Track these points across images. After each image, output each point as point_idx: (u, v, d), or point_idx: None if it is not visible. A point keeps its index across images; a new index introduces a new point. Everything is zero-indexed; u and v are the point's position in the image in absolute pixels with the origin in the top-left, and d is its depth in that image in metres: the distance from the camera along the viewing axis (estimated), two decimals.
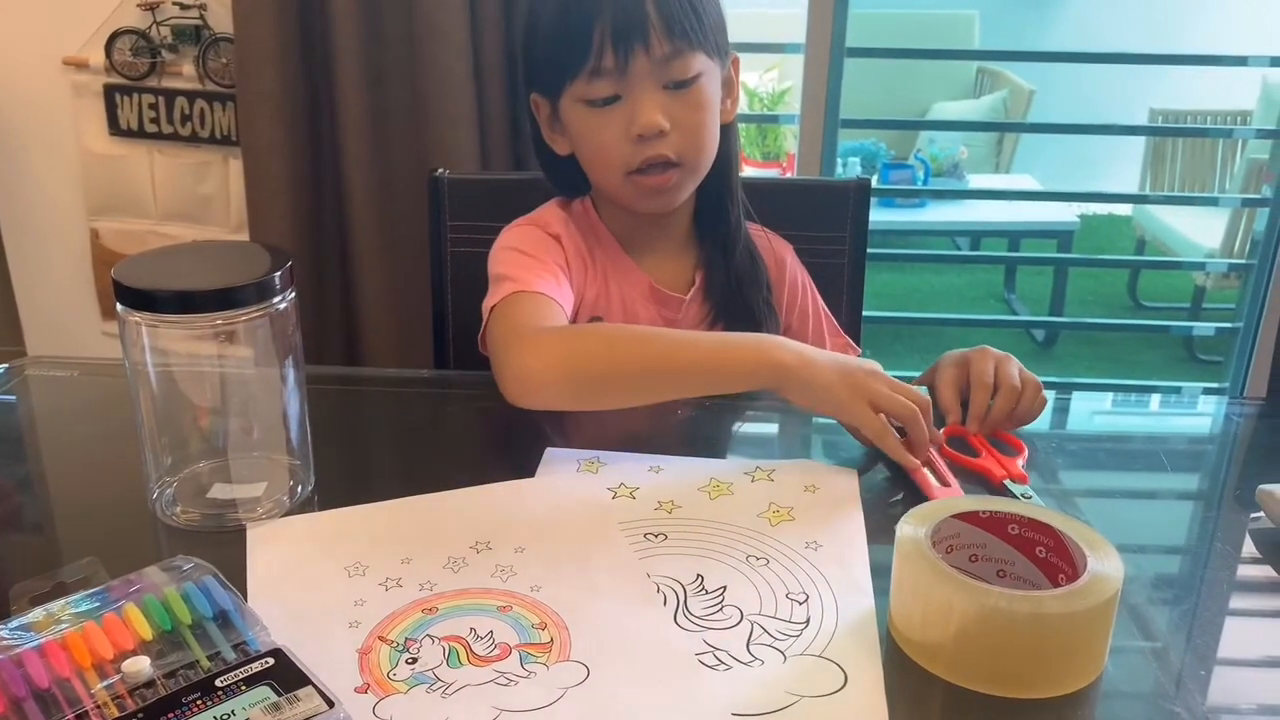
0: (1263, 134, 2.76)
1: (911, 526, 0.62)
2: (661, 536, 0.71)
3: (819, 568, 0.68)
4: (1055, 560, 0.63)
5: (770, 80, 4.18)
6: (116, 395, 0.96)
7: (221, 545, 0.69)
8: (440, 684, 0.57)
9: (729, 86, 0.96)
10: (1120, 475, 0.87)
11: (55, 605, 0.58)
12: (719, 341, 0.84)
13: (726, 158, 0.98)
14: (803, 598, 0.64)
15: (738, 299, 0.99)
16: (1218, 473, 0.89)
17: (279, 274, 0.69)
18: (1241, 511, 0.78)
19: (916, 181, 3.35)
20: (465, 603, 0.64)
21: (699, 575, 0.66)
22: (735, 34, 0.96)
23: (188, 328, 0.69)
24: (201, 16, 1.73)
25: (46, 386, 0.96)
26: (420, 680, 0.57)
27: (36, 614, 0.58)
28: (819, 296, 1.08)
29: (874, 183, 1.17)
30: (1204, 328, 2.28)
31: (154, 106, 1.79)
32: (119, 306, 0.68)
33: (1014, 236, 3.49)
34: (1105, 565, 0.59)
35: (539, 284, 0.89)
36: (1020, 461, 0.80)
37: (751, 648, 0.60)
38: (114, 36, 1.76)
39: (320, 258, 1.75)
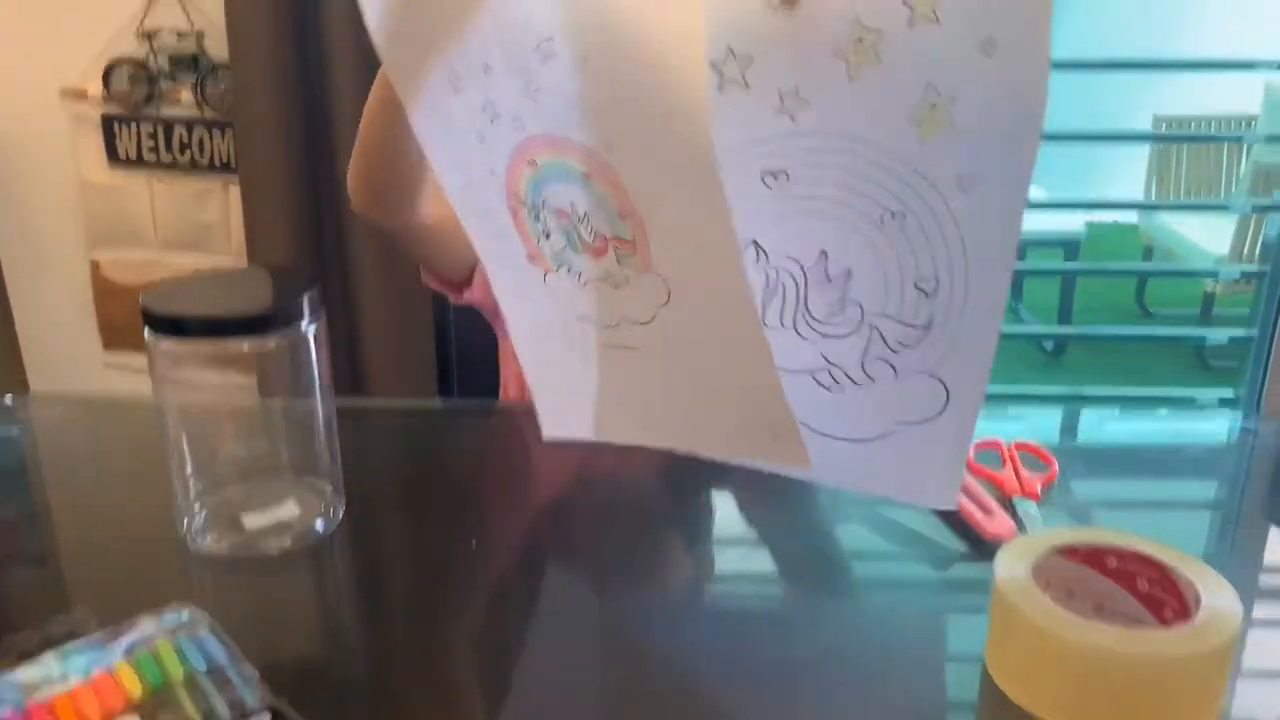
0: (1273, 139, 2.74)
1: (1010, 564, 0.59)
2: (783, 177, 0.51)
3: (962, 228, 0.51)
4: (1160, 594, 0.60)
5: None
6: (121, 430, 0.95)
7: (254, 573, 0.68)
8: (574, 271, 0.53)
9: None
10: (1138, 489, 0.85)
11: (41, 662, 0.56)
12: None
13: None
14: (932, 284, 0.51)
15: None
16: (1236, 487, 0.87)
17: (308, 296, 0.69)
18: (1262, 527, 0.76)
19: None
20: (556, 160, 0.54)
21: (823, 253, 0.52)
22: None
23: (217, 353, 0.68)
24: (199, 44, 1.72)
25: (48, 423, 0.95)
26: (562, 261, 0.54)
27: (23, 673, 0.55)
28: None
29: None
30: (1217, 335, 2.26)
31: (153, 135, 1.78)
32: (147, 333, 0.68)
33: (1019, 246, 3.46)
34: (1221, 599, 0.56)
35: None
36: (1043, 479, 0.78)
37: (866, 364, 0.51)
38: (112, 66, 1.74)
39: (321, 283, 1.73)
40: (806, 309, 0.52)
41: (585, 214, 0.52)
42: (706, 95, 0.46)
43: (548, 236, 0.54)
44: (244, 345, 0.67)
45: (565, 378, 0.57)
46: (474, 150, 0.55)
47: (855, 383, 0.52)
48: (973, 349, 0.52)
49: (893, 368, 0.52)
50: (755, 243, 0.51)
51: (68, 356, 1.96)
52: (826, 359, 0.52)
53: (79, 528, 0.79)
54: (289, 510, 0.73)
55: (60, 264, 1.90)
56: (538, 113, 0.52)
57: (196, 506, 0.73)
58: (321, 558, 0.70)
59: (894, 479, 0.54)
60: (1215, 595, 0.56)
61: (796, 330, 0.52)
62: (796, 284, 0.52)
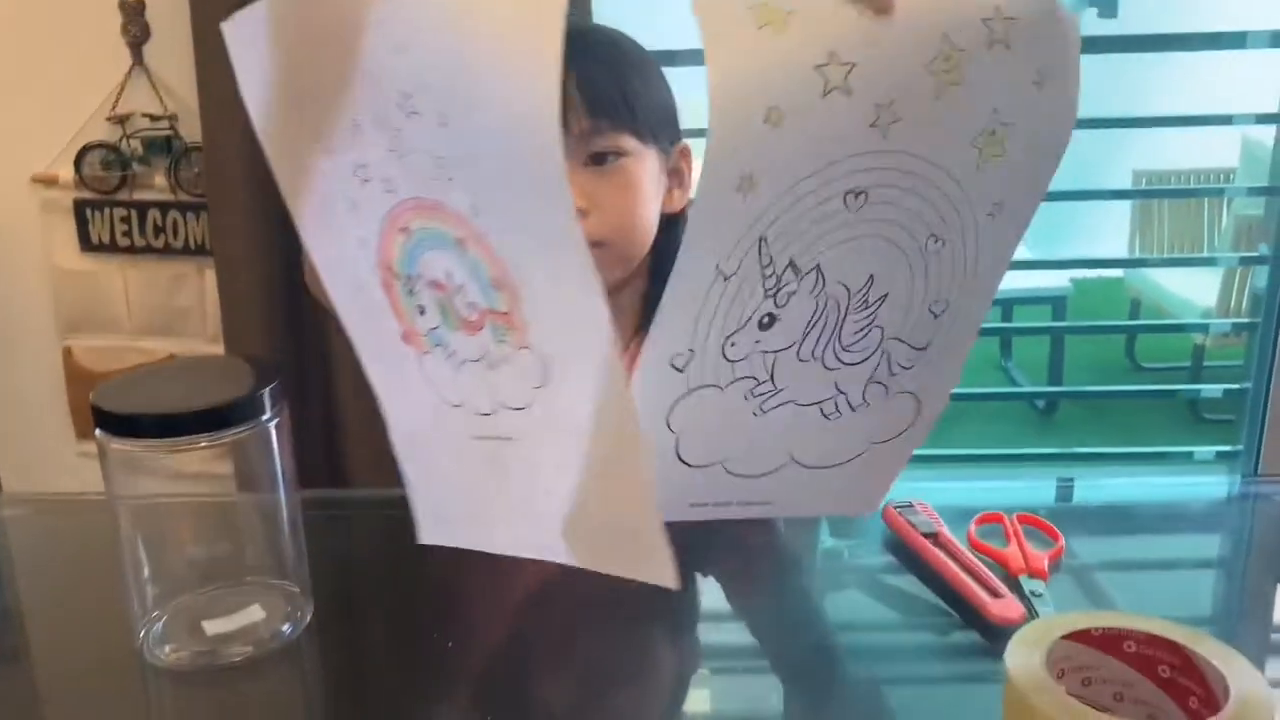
0: (1255, 192, 2.74)
1: (1022, 654, 0.53)
2: (862, 197, 0.49)
3: (980, 254, 0.52)
4: (1183, 681, 0.55)
5: None
6: (83, 533, 0.90)
7: (216, 684, 0.64)
8: (453, 353, 0.51)
9: (678, 176, 0.94)
10: (1145, 552, 0.82)
11: None
12: None
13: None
14: (942, 306, 0.52)
15: None
16: (1242, 548, 0.84)
17: (269, 389, 0.65)
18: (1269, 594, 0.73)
19: None
20: (429, 225, 0.51)
21: (870, 278, 0.50)
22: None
23: (173, 452, 0.64)
24: (172, 127, 1.71)
25: (10, 524, 0.91)
26: (438, 341, 0.52)
27: None
28: None
29: None
30: (1211, 390, 2.24)
31: (125, 220, 1.76)
32: (98, 432, 0.64)
33: (1006, 305, 3.46)
34: (1249, 686, 0.51)
35: None
36: (1050, 555, 0.74)
37: (868, 389, 0.51)
38: (84, 151, 1.73)
39: (299, 366, 1.70)
40: (838, 338, 0.51)
41: (461, 285, 0.50)
42: (560, 160, 0.43)
43: (422, 313, 0.51)
44: (200, 443, 0.63)
45: (439, 477, 0.54)
46: (345, 218, 0.53)
47: (853, 409, 0.52)
48: (949, 368, 0.53)
49: (886, 389, 0.52)
50: (818, 267, 0.49)
51: (40, 445, 1.91)
52: (837, 388, 0.52)
53: (30, 640, 0.75)
54: (253, 614, 0.69)
55: (32, 351, 1.86)
56: (406, 175, 0.50)
57: (154, 614, 0.69)
58: (289, 665, 0.66)
59: (839, 498, 0.54)
60: (1243, 683, 0.52)
61: (823, 363, 0.52)
62: (839, 311, 0.51)
